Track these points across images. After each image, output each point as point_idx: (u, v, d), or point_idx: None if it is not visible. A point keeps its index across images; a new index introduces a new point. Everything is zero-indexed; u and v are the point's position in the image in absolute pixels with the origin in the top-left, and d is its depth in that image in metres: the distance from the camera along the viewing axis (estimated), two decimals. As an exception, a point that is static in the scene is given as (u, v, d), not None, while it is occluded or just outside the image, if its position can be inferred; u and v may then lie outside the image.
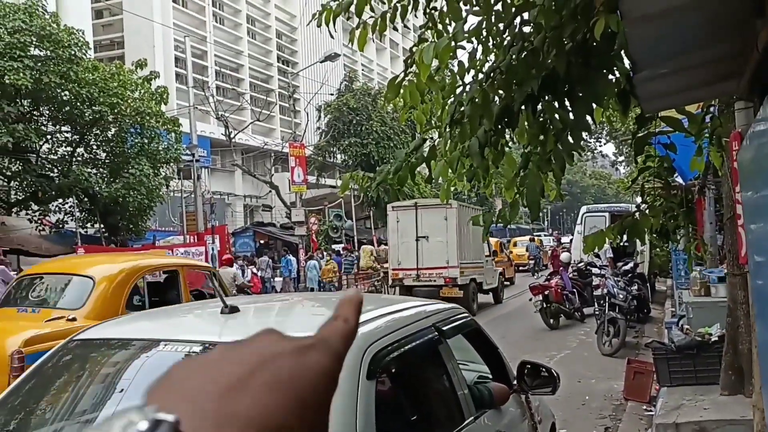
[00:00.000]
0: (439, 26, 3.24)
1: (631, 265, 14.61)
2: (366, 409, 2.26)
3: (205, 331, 2.91)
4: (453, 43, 3.03)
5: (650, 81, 2.40)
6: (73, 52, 17.36)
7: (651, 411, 7.19)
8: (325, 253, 24.94)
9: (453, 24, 3.27)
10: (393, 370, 2.68)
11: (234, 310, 2.85)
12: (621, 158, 39.19)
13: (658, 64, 2.27)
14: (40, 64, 16.49)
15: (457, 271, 16.58)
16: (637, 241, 4.92)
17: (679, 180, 8.66)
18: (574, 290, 14.80)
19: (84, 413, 2.57)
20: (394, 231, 17.50)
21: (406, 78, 3.47)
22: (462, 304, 16.53)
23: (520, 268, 30.99)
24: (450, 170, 3.55)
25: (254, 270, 22.51)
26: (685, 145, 4.91)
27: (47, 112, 18.81)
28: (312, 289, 20.73)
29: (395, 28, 3.61)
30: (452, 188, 3.94)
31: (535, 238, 37.91)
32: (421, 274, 16.94)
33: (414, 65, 3.26)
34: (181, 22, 40.99)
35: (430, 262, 16.75)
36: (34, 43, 16.60)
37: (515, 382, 3.66)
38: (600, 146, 41.05)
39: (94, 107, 17.77)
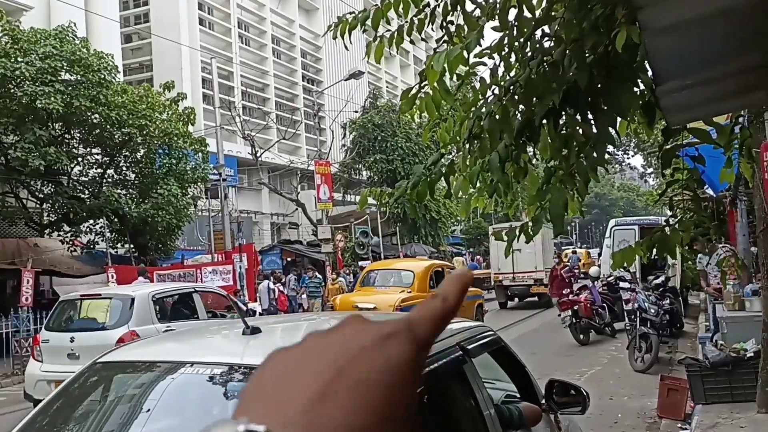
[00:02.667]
0: (456, 40, 3.22)
1: (662, 278, 14.33)
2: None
3: (228, 352, 2.90)
4: (465, 53, 3.00)
5: (674, 93, 2.35)
6: (102, 76, 17.71)
7: (686, 429, 7.00)
8: (341, 271, 24.88)
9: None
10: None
11: (255, 331, 2.84)
12: (650, 170, 38.72)
13: (682, 75, 2.21)
14: (70, 88, 16.85)
15: (542, 273, 22.52)
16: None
17: (710, 192, 8.50)
18: (604, 305, 14.56)
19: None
20: (494, 245, 23.27)
21: (422, 90, 3.45)
22: (545, 297, 20.30)
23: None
24: (470, 186, 3.51)
25: (281, 288, 22.57)
26: (715, 156, 4.80)
27: (78, 135, 19.20)
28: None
29: (412, 42, 3.59)
30: (473, 207, 3.88)
31: (576, 250, 38.80)
32: (516, 276, 23.10)
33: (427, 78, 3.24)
34: (208, 44, 41.66)
35: (523, 267, 22.83)
36: (64, 67, 16.97)
37: (543, 401, 3.59)
38: (628, 158, 40.65)
39: (123, 129, 18.09)
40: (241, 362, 2.67)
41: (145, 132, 18.62)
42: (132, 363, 2.91)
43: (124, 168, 20.66)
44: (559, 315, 14.43)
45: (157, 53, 41.20)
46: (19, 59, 16.13)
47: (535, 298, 23.08)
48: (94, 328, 9.72)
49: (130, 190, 20.57)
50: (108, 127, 18.01)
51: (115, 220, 19.71)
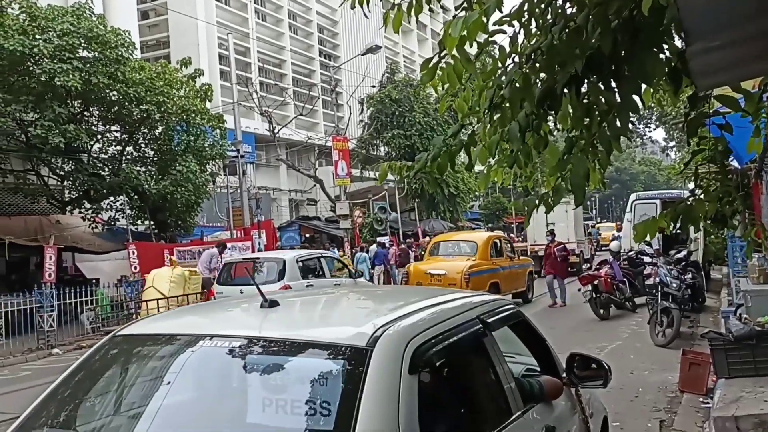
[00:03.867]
0: (476, 6, 3.12)
1: (684, 252, 14.17)
2: (408, 405, 2.20)
3: (246, 325, 2.89)
4: (485, 19, 2.90)
5: (704, 54, 2.25)
6: (120, 53, 17.71)
7: (708, 403, 6.94)
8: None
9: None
10: (436, 364, 2.61)
11: (273, 304, 2.82)
12: (672, 143, 38.17)
13: (713, 34, 2.12)
14: (88, 65, 16.86)
15: (575, 245, 24.92)
16: (691, 228, 4.71)
17: (734, 164, 8.32)
18: (625, 279, 14.44)
19: (130, 407, 2.58)
20: (533, 220, 24.07)
21: (442, 60, 3.36)
22: (578, 265, 22.43)
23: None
24: (489, 156, 3.43)
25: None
26: (742, 126, 4.67)
27: (97, 112, 19.27)
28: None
29: (431, 10, 3.50)
30: (492, 179, 3.80)
31: (596, 224, 39.73)
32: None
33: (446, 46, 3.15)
34: (224, 20, 41.52)
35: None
36: (82, 44, 16.97)
37: (564, 375, 3.55)
38: (650, 131, 40.10)
39: (141, 106, 18.12)
40: (260, 335, 2.66)
41: (162, 109, 18.63)
42: (152, 336, 2.91)
43: (143, 145, 20.73)
44: (579, 290, 14.34)
45: (174, 30, 41.19)
46: (37, 36, 16.15)
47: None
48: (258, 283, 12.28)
49: (149, 167, 20.66)
50: (126, 104, 18.04)
51: (135, 197, 19.84)
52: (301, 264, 13.31)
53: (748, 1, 1.94)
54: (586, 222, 43.58)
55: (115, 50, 17.52)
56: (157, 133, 20.23)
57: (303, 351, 2.47)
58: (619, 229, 33.85)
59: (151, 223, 20.95)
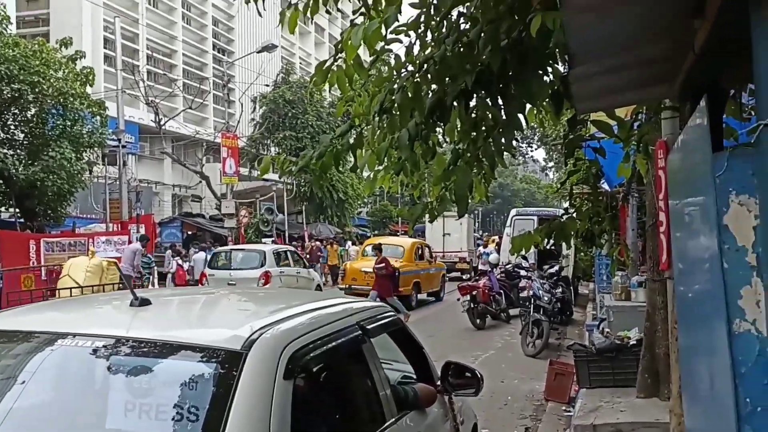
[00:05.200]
0: (373, 13, 3.13)
1: (556, 268, 14.93)
2: (281, 410, 2.14)
3: (113, 324, 2.72)
4: (384, 29, 2.92)
5: (585, 79, 2.38)
6: (-9, 26, 16.41)
7: (570, 412, 7.32)
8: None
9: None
10: (313, 370, 2.56)
11: (144, 302, 2.68)
12: (551, 164, 40.25)
13: (596, 59, 2.24)
14: (-46, 36, 15.51)
15: (466, 253, 28.51)
16: (563, 244, 4.98)
17: (605, 186, 8.88)
18: (501, 291, 15.01)
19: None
20: (429, 228, 27.54)
21: (335, 63, 3.35)
22: (468, 272, 22.92)
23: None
24: (377, 162, 3.45)
25: (180, 261, 21.90)
26: (613, 152, 4.99)
27: (-40, 87, 17.73)
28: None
29: (329, 12, 3.48)
30: (379, 185, 3.83)
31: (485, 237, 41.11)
32: (446, 254, 27.35)
33: (344, 51, 3.14)
34: (113, 2, 39.46)
35: (451, 248, 28.20)
36: (-53, 12, 15.60)
37: (439, 383, 3.62)
38: (531, 151, 42.09)
39: (13, 85, 16.86)
40: (127, 335, 2.50)
41: (37, 90, 17.41)
42: (5, 332, 2.67)
43: (12, 127, 19.25)
44: (459, 299, 14.76)
45: (56, 7, 38.68)
46: None
47: (459, 273, 26.18)
48: (243, 268, 16.59)
49: (18, 151, 19.21)
50: (-5, 81, 16.72)
51: (0, 181, 18.38)
52: (275, 255, 17.05)
53: (628, 33, 2.06)
54: (476, 234, 45.22)
55: (-14, 22, 16.23)
56: (29, 115, 18.85)
57: (173, 353, 2.34)
58: (491, 243, 35.38)
59: (17, 210, 19.48)
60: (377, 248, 16.70)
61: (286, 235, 30.16)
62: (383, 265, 15.46)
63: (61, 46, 19.46)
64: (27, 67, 17.12)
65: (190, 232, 30.43)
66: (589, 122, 4.63)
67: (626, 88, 2.47)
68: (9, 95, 17.37)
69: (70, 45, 19.72)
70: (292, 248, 20.65)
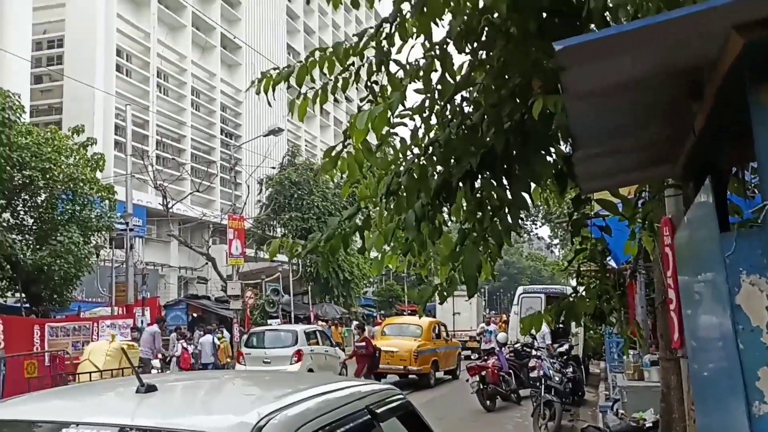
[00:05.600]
0: (380, 100, 3.24)
1: (566, 346, 14.68)
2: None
3: (118, 411, 2.67)
4: (389, 113, 3.01)
5: (588, 160, 2.43)
6: (6, 115, 16.88)
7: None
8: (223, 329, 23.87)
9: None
10: (322, 457, 2.49)
11: (151, 389, 2.64)
12: (556, 241, 40.30)
13: (598, 143, 2.30)
14: (-31, 125, 15.95)
15: (475, 332, 27.27)
16: (572, 322, 4.93)
17: (612, 263, 8.85)
18: (511, 371, 14.72)
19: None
20: (439, 308, 27.43)
21: (345, 150, 3.43)
22: (478, 351, 24.79)
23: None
24: (384, 243, 3.47)
25: (185, 344, 21.62)
26: (619, 229, 5.01)
27: (-27, 174, 18.06)
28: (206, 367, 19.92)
29: (336, 100, 3.59)
30: (386, 266, 3.84)
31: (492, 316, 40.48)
32: (456, 333, 26.72)
33: (351, 137, 3.22)
34: (124, 90, 40.73)
35: (461, 327, 28.75)
36: (-35, 104, 16.10)
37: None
38: (536, 228, 42.21)
39: (24, 171, 17.19)
40: (132, 423, 2.45)
41: (48, 176, 17.75)
42: (7, 422, 2.62)
43: (22, 212, 19.50)
44: (468, 380, 14.46)
45: (69, 96, 39.89)
46: None
47: (469, 351, 26.45)
48: (277, 347, 17.45)
49: (27, 236, 19.38)
50: (8, 168, 17.05)
51: (7, 266, 18.44)
52: (306, 334, 18.00)
53: (629, 118, 2.12)
54: (484, 312, 44.77)
55: (1, 112, 16.70)
56: (39, 201, 19.13)
57: (179, 441, 2.29)
58: (492, 323, 35.00)
59: (23, 295, 19.45)
60: (360, 327, 19.30)
61: (292, 315, 29.91)
62: (364, 344, 17.03)
63: (73, 134, 19.97)
64: (39, 154, 17.52)
65: (195, 314, 30.22)
66: (593, 200, 4.67)
67: (630, 168, 2.52)
68: (20, 181, 17.69)
69: (83, 132, 20.24)
70: (320, 328, 21.67)
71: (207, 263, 34.58)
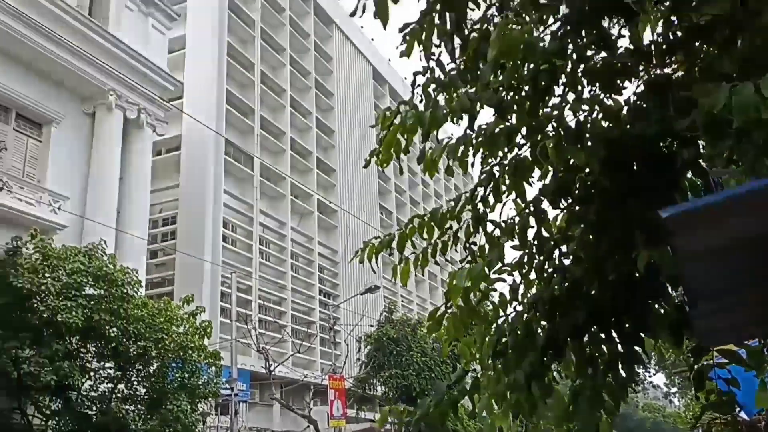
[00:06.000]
0: (479, 259, 3.31)
1: None
2: None
3: None
4: (487, 270, 3.06)
5: (708, 315, 2.34)
6: (125, 291, 18.05)
7: None
8: None
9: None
10: None
11: None
12: (674, 389, 37.38)
13: (716, 298, 2.22)
14: (93, 302, 17.09)
15: None
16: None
17: (743, 415, 8.09)
18: None
19: None
20: None
21: (448, 310, 3.47)
22: None
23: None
24: (495, 405, 3.38)
25: None
26: (746, 379, 4.63)
27: (93, 348, 19.07)
28: None
29: (437, 263, 3.69)
30: (498, 426, 3.70)
31: None
32: None
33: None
34: (229, 259, 43.01)
35: None
36: (89, 282, 17.36)
37: None
38: (650, 376, 39.52)
39: (139, 343, 18.01)
40: None
41: (160, 345, 18.50)
42: None
43: (136, 383, 20.21)
44: None
45: (181, 268, 42.47)
46: (47, 275, 16.59)
47: None
48: None
49: (139, 406, 19.92)
50: (124, 340, 17.96)
51: (119, 438, 18.84)
52: None
53: (744, 272, 2.07)
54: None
55: (121, 288, 17.90)
56: (151, 370, 19.82)
57: None
58: None
59: (133, 466, 19.62)
60: None
61: (397, 481, 28.50)
62: None
63: (183, 303, 21.00)
64: (153, 324, 18.40)
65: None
66: (713, 349, 4.39)
67: (752, 323, 2.40)
68: (135, 353, 18.49)
69: (192, 302, 21.27)
70: None
71: (309, 426, 34.06)
